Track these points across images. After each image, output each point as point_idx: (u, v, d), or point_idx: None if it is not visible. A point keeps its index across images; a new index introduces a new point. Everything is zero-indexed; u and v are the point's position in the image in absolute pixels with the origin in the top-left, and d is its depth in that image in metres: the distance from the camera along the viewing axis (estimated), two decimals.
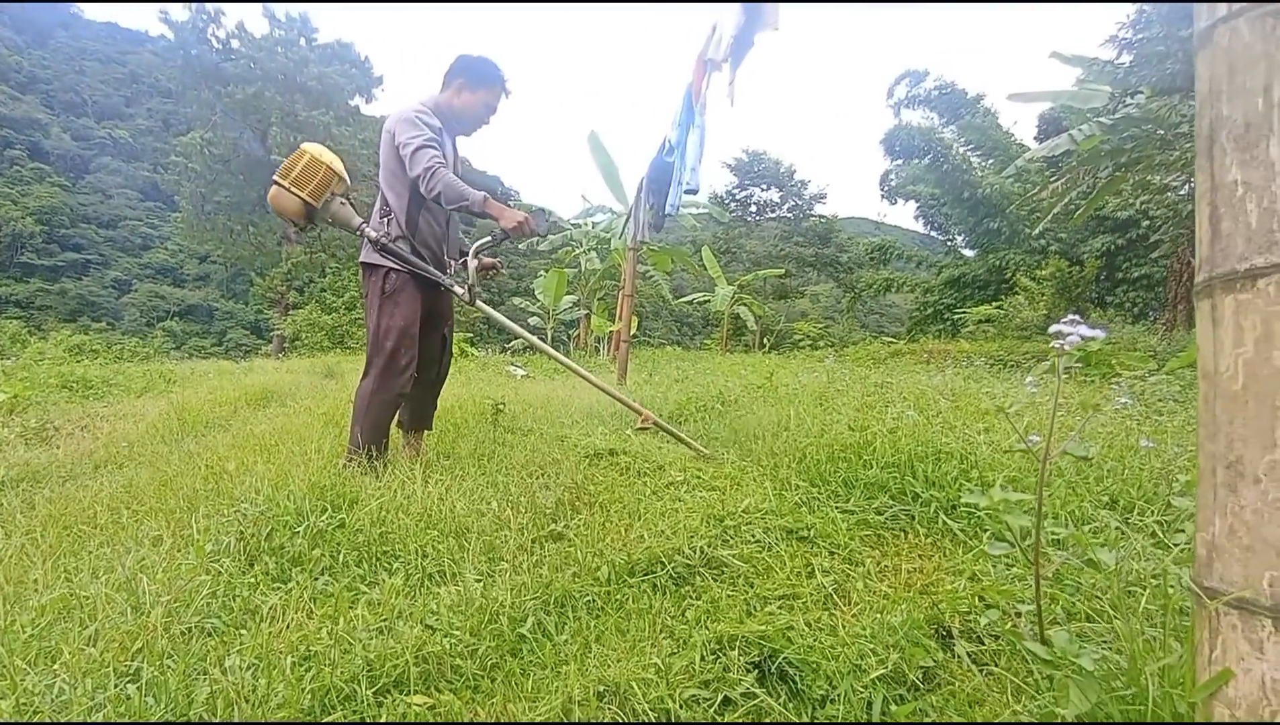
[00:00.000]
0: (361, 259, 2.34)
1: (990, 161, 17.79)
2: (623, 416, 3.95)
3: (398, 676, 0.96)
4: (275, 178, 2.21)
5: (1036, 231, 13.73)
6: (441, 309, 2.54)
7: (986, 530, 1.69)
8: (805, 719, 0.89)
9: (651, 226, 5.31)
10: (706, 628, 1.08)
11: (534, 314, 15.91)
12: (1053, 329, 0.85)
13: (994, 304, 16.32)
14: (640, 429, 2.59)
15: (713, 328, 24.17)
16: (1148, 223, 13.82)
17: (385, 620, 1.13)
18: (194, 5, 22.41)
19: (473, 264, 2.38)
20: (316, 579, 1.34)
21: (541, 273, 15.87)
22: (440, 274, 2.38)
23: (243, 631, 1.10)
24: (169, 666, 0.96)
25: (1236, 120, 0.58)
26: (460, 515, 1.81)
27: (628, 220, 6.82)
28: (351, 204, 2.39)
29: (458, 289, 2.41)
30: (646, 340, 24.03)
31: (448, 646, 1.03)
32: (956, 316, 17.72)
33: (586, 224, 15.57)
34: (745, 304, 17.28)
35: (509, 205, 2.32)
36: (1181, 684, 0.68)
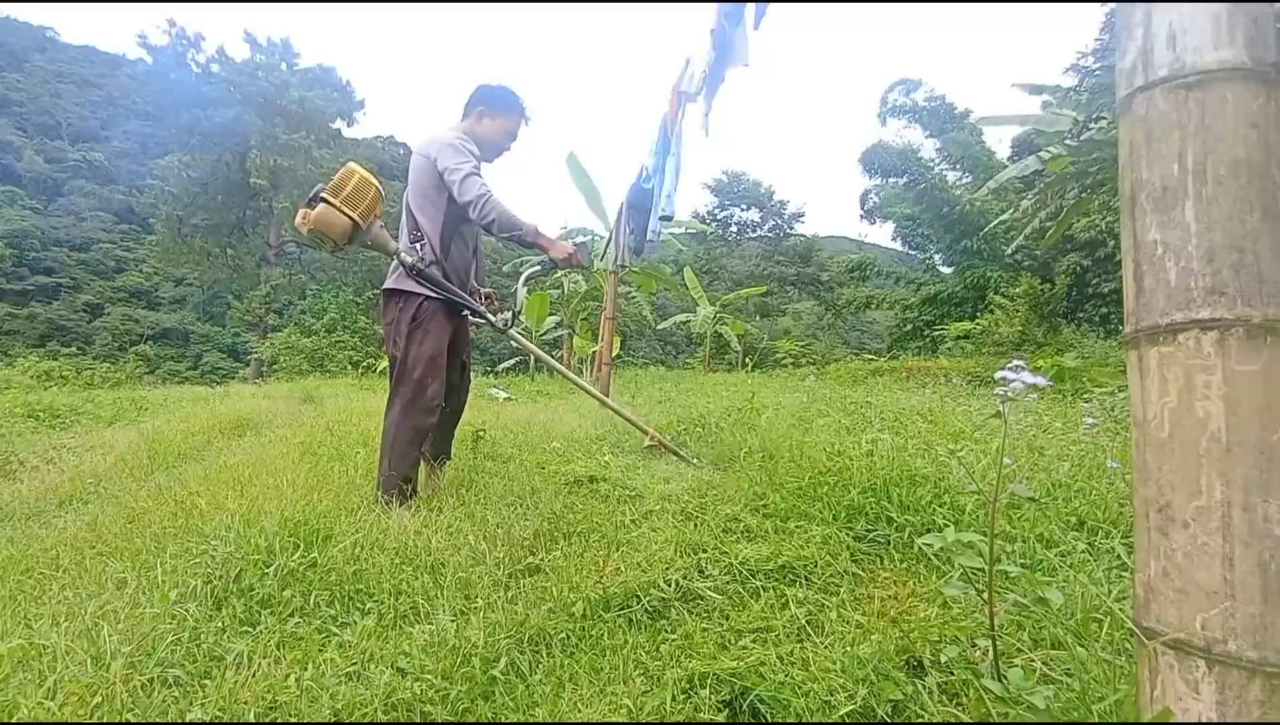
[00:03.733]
0: (391, 285, 2.30)
1: (970, 179, 18.28)
2: (605, 440, 3.95)
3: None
4: (324, 196, 2.13)
5: (1010, 250, 14.10)
6: (463, 336, 2.52)
7: (952, 562, 1.72)
8: None
9: (632, 250, 5.37)
10: (680, 665, 1.09)
11: (528, 341, 15.82)
12: (998, 375, 0.88)
13: (972, 321, 16.67)
14: (648, 448, 2.62)
15: (696, 347, 24.30)
16: (1114, 242, 14.28)
17: (356, 664, 1.12)
18: (174, 30, 22.38)
19: (522, 293, 2.40)
20: (286, 622, 1.32)
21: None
22: (474, 302, 2.37)
23: (207, 681, 1.07)
24: (128, 721, 0.93)
25: (1155, 184, 0.62)
26: (436, 550, 1.79)
27: (609, 243, 6.89)
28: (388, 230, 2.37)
29: (492, 318, 2.40)
30: (630, 360, 24.06)
31: (418, 691, 1.02)
32: (935, 333, 18.05)
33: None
34: (727, 323, 17.42)
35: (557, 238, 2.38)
36: (1129, 721, 0.70)
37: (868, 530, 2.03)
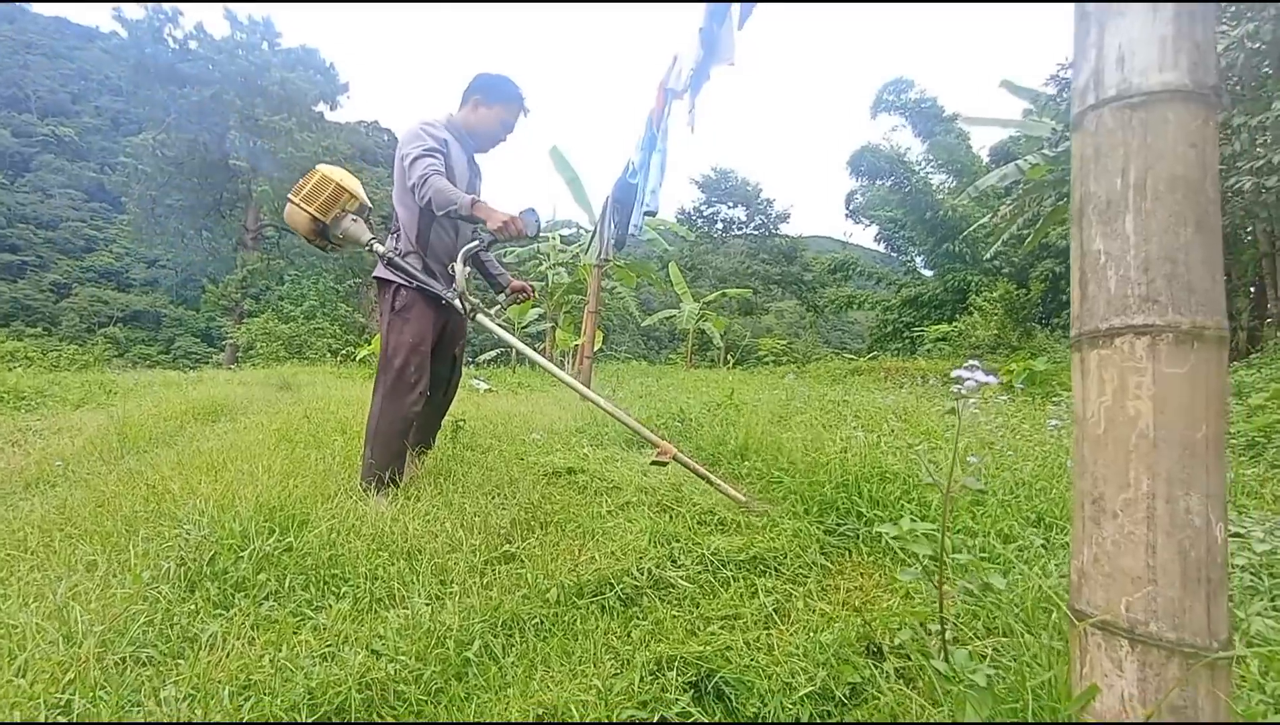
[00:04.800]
0: (375, 274, 2.36)
1: (955, 182, 18.57)
2: (585, 433, 3.97)
3: (340, 704, 0.97)
4: (289, 196, 2.29)
5: (989, 255, 14.38)
6: (455, 328, 2.52)
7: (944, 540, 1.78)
8: None
9: (615, 244, 5.38)
10: (649, 648, 1.12)
11: (500, 327, 15.72)
12: (954, 373, 0.92)
13: (950, 323, 16.98)
14: (655, 463, 2.36)
15: (678, 343, 24.39)
16: None
17: (330, 646, 1.13)
18: (150, 5, 21.71)
19: (460, 270, 2.26)
20: (260, 605, 1.33)
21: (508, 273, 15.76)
22: (443, 288, 2.30)
23: (180, 661, 1.08)
24: (101, 699, 0.94)
25: (1100, 197, 0.67)
26: (413, 537, 1.80)
27: (593, 237, 6.89)
28: (367, 222, 2.40)
29: (459, 303, 2.32)
30: (613, 354, 24.06)
31: (392, 672, 1.03)
32: (915, 334, 18.36)
33: (554, 238, 15.60)
34: (710, 321, 17.52)
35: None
36: (1060, 698, 0.75)
37: (838, 524, 2.09)
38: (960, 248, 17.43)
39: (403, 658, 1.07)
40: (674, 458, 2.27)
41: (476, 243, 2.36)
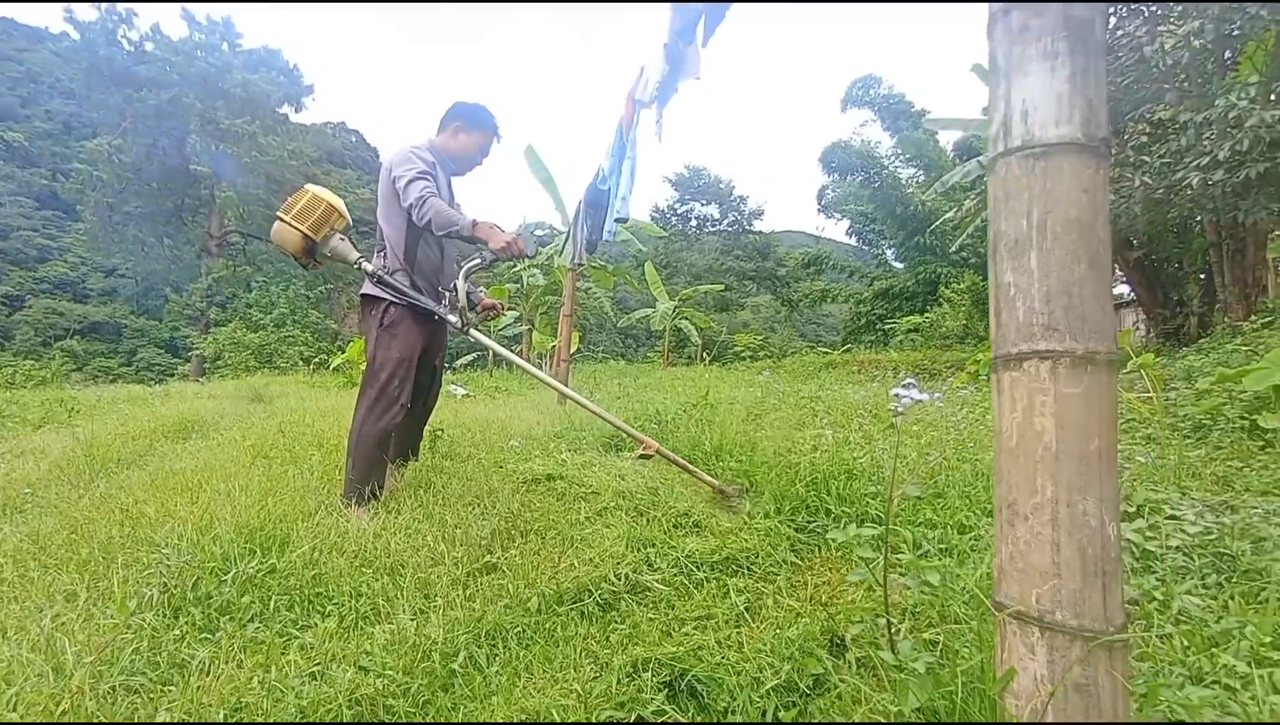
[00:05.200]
0: (363, 291, 2.42)
1: (923, 176, 18.98)
2: (563, 438, 4.02)
3: (331, 720, 1.02)
4: (278, 214, 2.32)
5: (955, 247, 14.75)
6: (437, 341, 2.62)
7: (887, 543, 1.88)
8: None
9: (587, 248, 5.43)
10: (626, 651, 1.19)
11: (493, 342, 15.66)
12: (892, 392, 1.01)
13: (921, 314, 17.38)
14: (640, 457, 2.57)
15: (656, 341, 24.50)
16: None
17: (319, 665, 1.17)
18: (103, 5, 20.97)
19: (463, 287, 2.38)
20: (246, 627, 1.36)
21: (482, 289, 15.69)
22: (435, 305, 2.42)
23: (171, 687, 1.11)
24: (133, 721, 0.97)
25: (1010, 235, 0.75)
26: (396, 552, 1.84)
27: (567, 240, 6.92)
28: (351, 241, 2.47)
29: (452, 318, 2.44)
30: (590, 354, 24.05)
31: (381, 687, 1.08)
32: (887, 326, 18.75)
33: (531, 236, 15.52)
34: (686, 318, 17.64)
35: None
36: (987, 681, 0.83)
37: (808, 522, 2.18)
38: (930, 240, 17.85)
39: (390, 672, 1.12)
40: (657, 452, 2.47)
41: (478, 261, 2.45)
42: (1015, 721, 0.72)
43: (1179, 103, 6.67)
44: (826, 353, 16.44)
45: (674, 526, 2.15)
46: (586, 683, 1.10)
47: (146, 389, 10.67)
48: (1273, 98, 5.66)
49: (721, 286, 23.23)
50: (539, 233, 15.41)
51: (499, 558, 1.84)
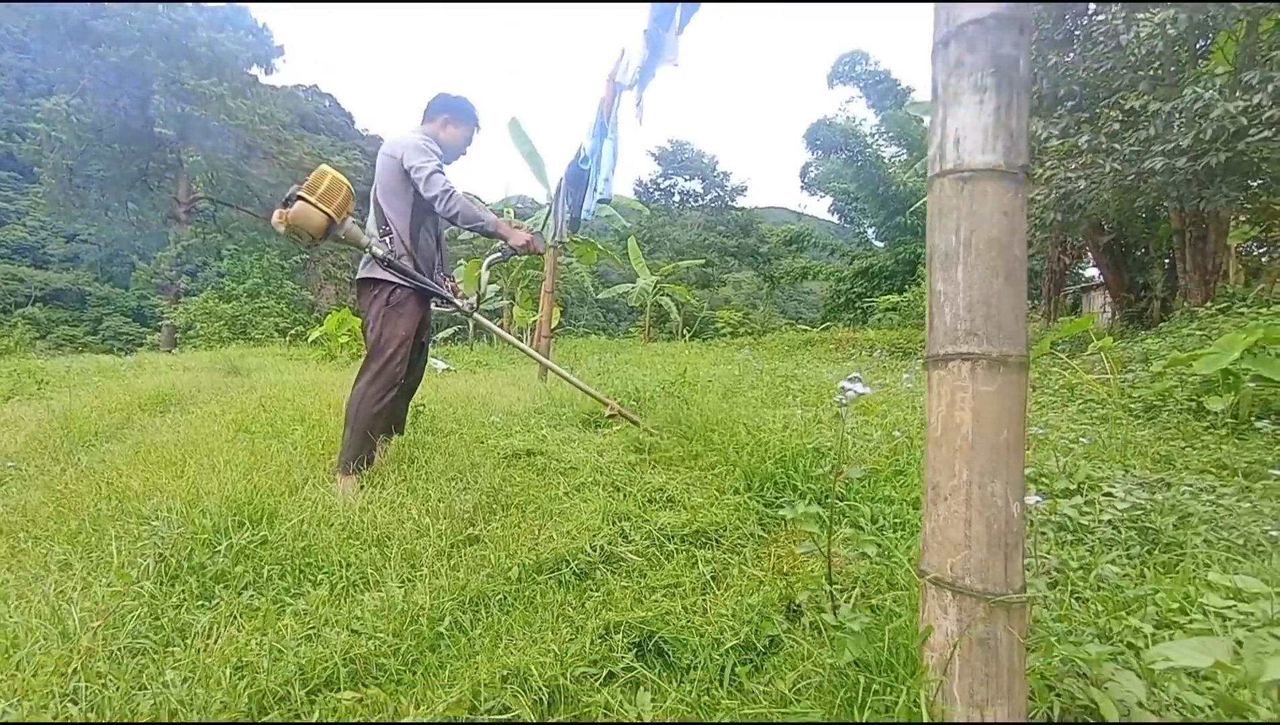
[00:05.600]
0: (365, 275, 2.51)
1: (906, 156, 19.06)
2: (544, 413, 4.10)
3: (328, 677, 1.11)
4: (301, 194, 2.29)
5: None
6: (426, 319, 2.76)
7: (846, 518, 2.01)
8: (673, 684, 1.12)
9: (569, 226, 5.45)
10: (599, 616, 1.30)
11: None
12: (840, 384, 1.11)
13: (899, 294, 17.65)
14: (609, 417, 3.20)
15: (637, 316, 24.54)
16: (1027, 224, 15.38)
17: (313, 628, 1.26)
18: None
19: (485, 276, 2.78)
20: (241, 594, 1.44)
21: (461, 262, 15.56)
22: (442, 290, 2.63)
23: (175, 649, 1.19)
24: (108, 686, 1.05)
25: (941, 249, 0.84)
26: (382, 524, 1.93)
27: (548, 217, 6.90)
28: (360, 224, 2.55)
29: (459, 302, 2.70)
30: (571, 328, 24.02)
31: (373, 648, 1.18)
32: (866, 305, 19.01)
33: (509, 212, 15.37)
34: (667, 294, 17.69)
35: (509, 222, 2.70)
36: (910, 637, 0.96)
37: (776, 497, 2.31)
38: (910, 221, 18.03)
39: (381, 635, 1.21)
40: (617, 412, 3.11)
41: (499, 255, 2.82)
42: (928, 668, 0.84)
43: (1151, 91, 6.82)
44: (806, 330, 16.67)
45: (648, 501, 2.26)
46: (563, 644, 1.20)
47: (117, 359, 10.46)
48: (1239, 93, 5.82)
49: (703, 262, 23.25)
50: (519, 206, 15.24)
51: (481, 530, 1.93)
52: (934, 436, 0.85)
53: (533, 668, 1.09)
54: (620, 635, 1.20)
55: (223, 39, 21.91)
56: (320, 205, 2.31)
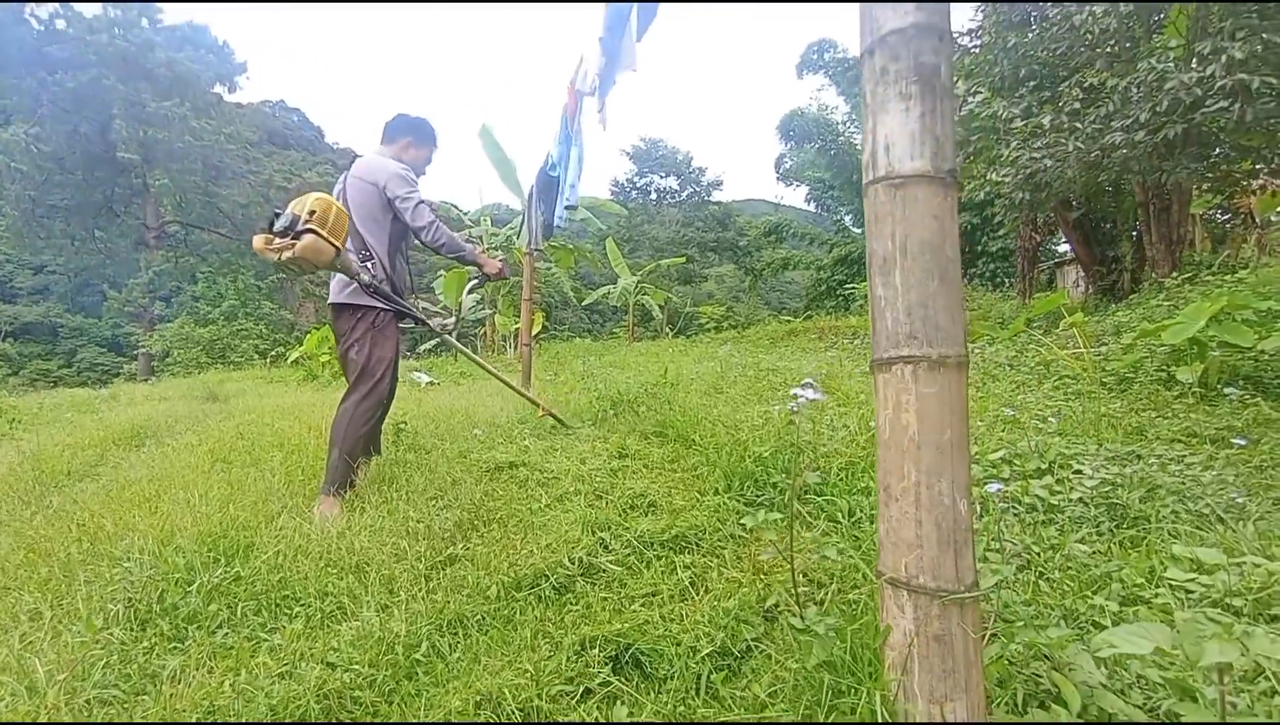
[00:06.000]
0: (345, 300, 2.52)
1: None
2: (527, 424, 4.09)
3: (301, 716, 1.10)
4: (313, 227, 2.22)
5: None
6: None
7: (824, 513, 2.03)
8: (650, 696, 1.13)
9: (543, 233, 5.43)
10: (577, 631, 1.30)
11: (436, 314, 15.50)
12: (792, 391, 1.12)
13: None
14: (543, 417, 3.48)
15: (621, 316, 24.52)
16: (1000, 202, 15.63)
17: (288, 665, 1.25)
18: None
19: (468, 301, 2.93)
20: (214, 634, 1.42)
21: (442, 272, 15.44)
22: (416, 311, 2.69)
23: (144, 697, 1.18)
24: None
25: (879, 254, 0.85)
26: (360, 550, 1.91)
27: (522, 225, 6.87)
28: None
29: (435, 326, 2.83)
30: (556, 333, 23.93)
31: (348, 680, 1.17)
32: (847, 292, 19.15)
33: (485, 221, 15.28)
34: (649, 293, 17.71)
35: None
36: (870, 636, 0.97)
37: (756, 496, 2.32)
38: None
39: (356, 666, 1.21)
40: (547, 412, 3.46)
41: (475, 281, 3.06)
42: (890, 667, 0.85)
43: (1109, 68, 6.94)
44: (789, 321, 16.75)
45: (629, 508, 2.27)
46: (540, 662, 1.20)
47: (92, 393, 10.24)
48: (1194, 64, 5.94)
49: (684, 259, 23.30)
50: (496, 213, 15.16)
51: (461, 549, 1.92)
52: (883, 439, 0.86)
53: (506, 691, 1.09)
54: (597, 650, 1.21)
55: (182, 59, 21.54)
56: (331, 239, 2.29)
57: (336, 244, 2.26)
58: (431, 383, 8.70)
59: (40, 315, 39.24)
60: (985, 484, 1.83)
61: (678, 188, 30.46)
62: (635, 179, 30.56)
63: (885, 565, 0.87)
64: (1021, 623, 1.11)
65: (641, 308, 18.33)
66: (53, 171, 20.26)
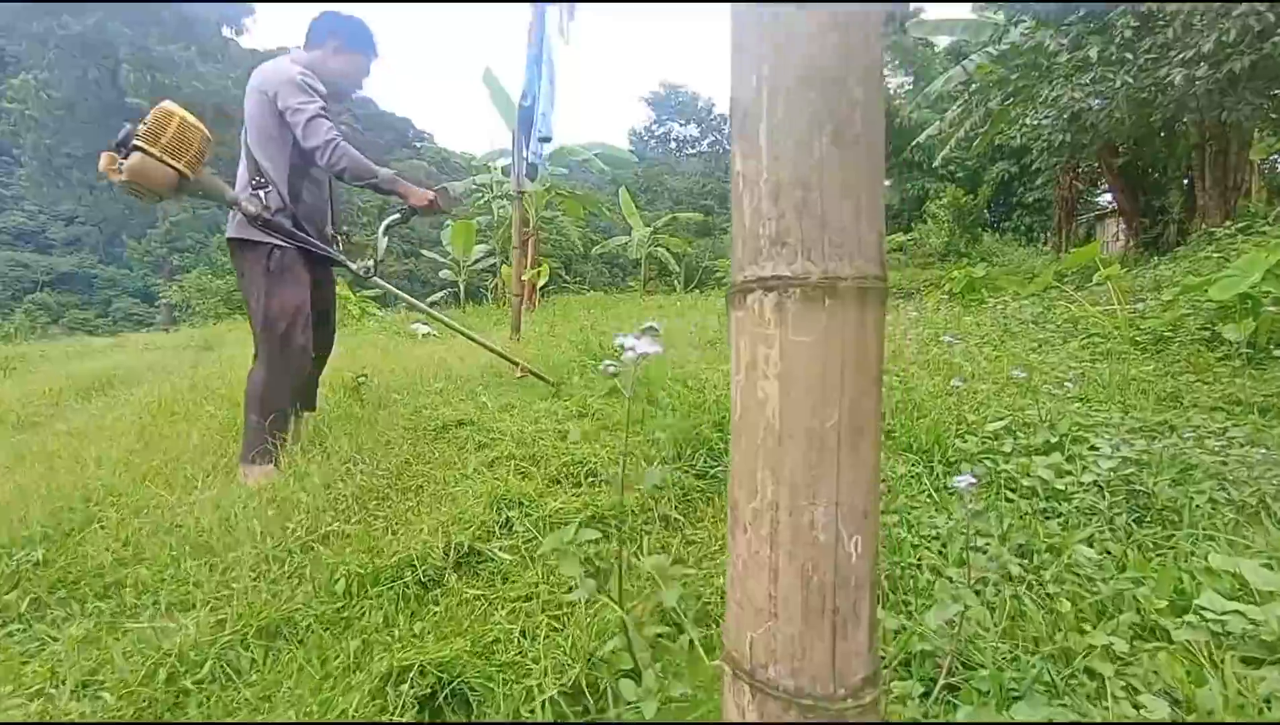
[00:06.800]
0: (234, 234, 2.12)
1: (914, 84, 17.97)
2: (499, 378, 3.80)
3: None
4: (139, 144, 1.81)
5: (937, 161, 14.13)
6: (324, 285, 2.39)
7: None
8: None
9: (526, 174, 5.02)
10: (401, 653, 1.00)
11: (444, 267, 15.23)
12: (617, 340, 0.77)
13: (906, 232, 16.98)
14: (519, 377, 3.21)
15: (638, 269, 23.96)
16: (1038, 149, 14.53)
17: (38, 685, 0.98)
18: None
19: (382, 242, 2.45)
20: None
21: (449, 223, 15.05)
22: (334, 251, 2.27)
23: None
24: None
25: (741, 102, 0.48)
26: (234, 524, 1.65)
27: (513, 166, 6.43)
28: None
29: (352, 266, 2.34)
30: (568, 285, 23.53)
31: (81, 715, 0.90)
32: None
33: (494, 168, 14.76)
34: (663, 246, 17.13)
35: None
36: None
37: (710, 466, 2.00)
38: (915, 155, 17.11)
39: (105, 695, 0.93)
40: (527, 371, 3.14)
41: (398, 216, 2.48)
42: None
43: None
44: None
45: (561, 478, 1.96)
46: (342, 694, 0.91)
47: (104, 341, 10.30)
48: None
49: (701, 215, 22.53)
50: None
51: (347, 525, 1.65)
52: (734, 421, 0.51)
53: None
54: (408, 685, 0.91)
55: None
56: (167, 159, 1.86)
57: (176, 166, 1.84)
58: (429, 334, 8.47)
59: (75, 265, 40.06)
60: (967, 467, 1.47)
61: (698, 135, 29.21)
62: (654, 127, 29.37)
63: (727, 636, 0.53)
64: (988, 669, 0.78)
65: (657, 261, 17.77)
66: (65, 119, 20.11)
